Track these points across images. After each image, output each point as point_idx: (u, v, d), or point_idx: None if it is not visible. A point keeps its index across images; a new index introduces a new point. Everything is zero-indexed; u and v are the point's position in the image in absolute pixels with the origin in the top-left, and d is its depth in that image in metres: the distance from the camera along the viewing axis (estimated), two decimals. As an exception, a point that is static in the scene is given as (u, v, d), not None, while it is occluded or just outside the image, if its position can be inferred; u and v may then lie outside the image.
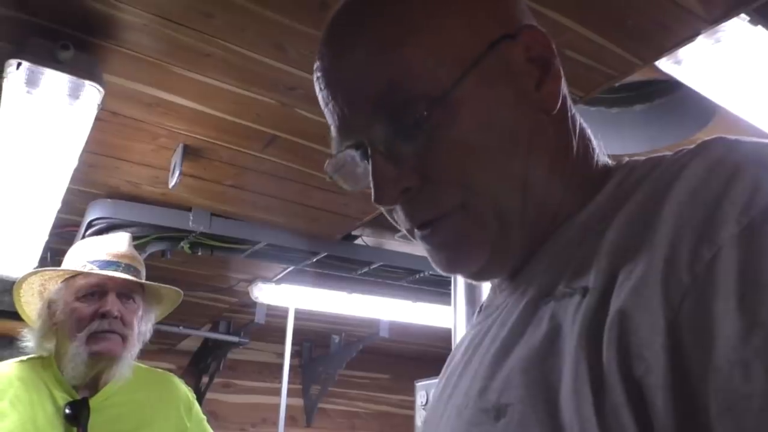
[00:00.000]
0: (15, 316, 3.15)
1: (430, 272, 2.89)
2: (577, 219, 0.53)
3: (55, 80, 1.43)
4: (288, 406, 3.47)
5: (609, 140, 0.60)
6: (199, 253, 2.50)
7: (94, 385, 1.55)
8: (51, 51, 1.39)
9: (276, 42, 1.46)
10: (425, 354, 4.79)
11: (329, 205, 2.33)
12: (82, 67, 1.44)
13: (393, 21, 0.54)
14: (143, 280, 1.63)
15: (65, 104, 1.51)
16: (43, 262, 2.59)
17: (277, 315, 3.51)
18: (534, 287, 0.52)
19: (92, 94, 1.48)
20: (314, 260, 2.71)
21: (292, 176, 2.12)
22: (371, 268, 2.83)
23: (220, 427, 4.13)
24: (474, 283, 1.74)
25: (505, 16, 0.57)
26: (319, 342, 4.54)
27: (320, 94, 0.57)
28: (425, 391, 1.85)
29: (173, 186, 1.99)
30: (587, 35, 1.42)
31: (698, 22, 1.34)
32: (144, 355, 1.67)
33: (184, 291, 1.78)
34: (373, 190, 0.53)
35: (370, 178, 0.53)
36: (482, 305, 0.66)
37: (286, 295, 3.17)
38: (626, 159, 0.56)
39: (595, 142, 0.59)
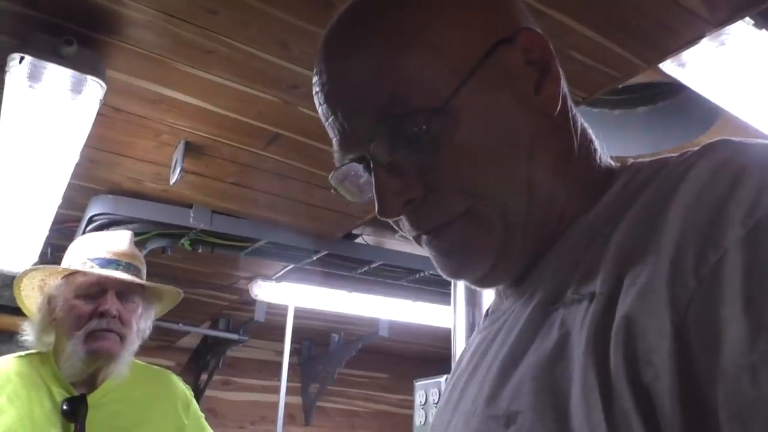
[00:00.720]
0: (15, 311, 3.14)
1: (431, 272, 2.89)
2: (584, 221, 0.53)
3: (58, 75, 1.43)
4: (287, 405, 3.47)
5: (611, 142, 0.60)
6: (200, 251, 2.50)
7: (92, 381, 1.55)
8: (54, 46, 1.39)
9: (279, 39, 1.46)
10: (425, 354, 4.79)
11: (330, 204, 2.33)
12: (85, 63, 1.44)
13: (388, 35, 0.53)
14: (143, 280, 1.62)
15: (67, 99, 1.51)
16: (44, 258, 2.59)
17: (277, 313, 3.51)
18: (542, 292, 0.51)
19: (94, 89, 1.48)
20: (314, 259, 2.71)
21: (294, 174, 2.12)
22: (371, 267, 2.83)
23: (219, 424, 4.13)
24: (478, 289, 1.74)
25: (501, 20, 0.56)
26: (318, 340, 4.54)
27: (320, 109, 0.57)
28: (424, 390, 1.85)
29: (174, 183, 1.99)
30: (591, 36, 1.41)
31: (703, 25, 1.34)
32: (143, 351, 1.67)
33: (184, 288, 1.78)
34: (376, 203, 0.53)
35: (373, 191, 0.53)
36: (488, 310, 0.66)
37: (286, 293, 3.17)
38: (631, 161, 0.56)
39: (597, 144, 0.59)
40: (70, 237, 2.52)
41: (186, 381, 1.80)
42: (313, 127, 1.81)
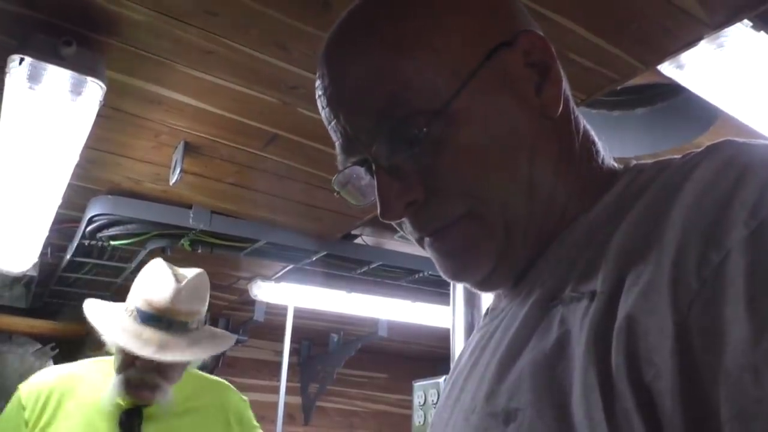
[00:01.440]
0: (14, 311, 3.16)
1: (430, 272, 2.89)
2: (584, 219, 0.53)
3: (58, 76, 1.43)
4: (286, 404, 3.47)
5: (610, 143, 0.60)
6: (199, 251, 2.51)
7: None
8: (54, 47, 1.39)
9: (279, 41, 1.46)
10: (424, 354, 4.79)
11: (330, 204, 2.33)
12: (85, 64, 1.44)
13: (388, 38, 0.54)
14: (185, 342, 1.52)
15: (67, 100, 1.51)
16: (43, 258, 2.60)
17: (277, 313, 3.51)
18: (540, 289, 0.52)
19: (94, 90, 1.48)
20: (314, 259, 2.71)
21: (293, 175, 2.12)
22: (370, 267, 2.83)
23: (218, 424, 4.12)
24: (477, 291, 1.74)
25: (501, 23, 0.56)
26: (317, 340, 4.54)
27: (323, 113, 0.58)
28: (423, 391, 1.86)
29: (174, 183, 1.99)
30: (590, 38, 1.42)
31: (701, 27, 1.34)
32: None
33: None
34: (378, 206, 0.54)
35: (375, 193, 0.54)
36: (488, 308, 0.66)
37: (286, 294, 3.17)
38: (633, 162, 0.56)
39: (600, 145, 0.59)
40: (69, 237, 2.52)
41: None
42: (312, 128, 1.81)
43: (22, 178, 1.88)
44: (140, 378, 1.52)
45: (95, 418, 1.53)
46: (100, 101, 1.53)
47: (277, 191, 2.26)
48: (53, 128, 1.63)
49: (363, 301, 3.28)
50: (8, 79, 1.43)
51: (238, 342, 3.92)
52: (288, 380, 3.43)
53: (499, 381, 0.49)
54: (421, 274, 2.93)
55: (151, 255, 2.56)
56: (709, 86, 1.52)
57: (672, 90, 1.87)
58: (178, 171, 1.94)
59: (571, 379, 0.43)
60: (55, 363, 3.08)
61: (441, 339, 3.03)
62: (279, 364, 3.43)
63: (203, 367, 4.43)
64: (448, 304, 1.98)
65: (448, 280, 0.58)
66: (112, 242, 2.37)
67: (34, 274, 2.74)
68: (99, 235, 2.34)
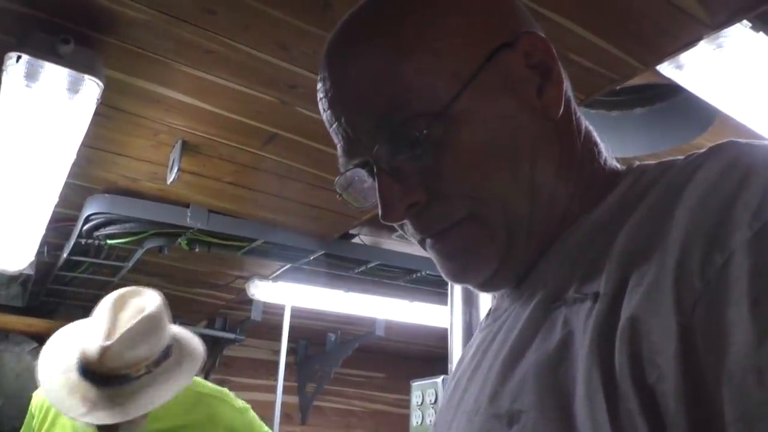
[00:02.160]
0: (11, 310, 3.15)
1: (427, 272, 2.89)
2: (587, 220, 0.53)
3: (55, 74, 1.42)
4: (283, 404, 3.47)
5: (609, 143, 0.60)
6: (197, 250, 2.50)
7: None
8: (51, 45, 1.38)
9: (278, 40, 1.46)
10: (421, 353, 4.79)
11: (328, 204, 2.32)
12: (82, 62, 1.43)
13: (389, 41, 0.54)
14: (118, 416, 1.34)
15: (64, 98, 1.50)
16: (40, 257, 2.59)
17: (274, 312, 3.51)
18: (543, 290, 0.52)
19: (92, 88, 1.48)
20: (311, 258, 2.71)
21: (291, 174, 2.12)
22: (368, 267, 2.83)
23: (215, 423, 4.11)
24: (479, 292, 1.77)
25: (502, 24, 0.56)
26: (315, 340, 4.54)
27: (324, 115, 0.58)
28: (421, 391, 1.85)
29: (171, 182, 1.99)
30: (589, 38, 1.41)
31: (701, 27, 1.34)
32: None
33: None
34: (379, 208, 0.54)
35: (377, 195, 0.54)
36: (490, 309, 0.66)
37: (283, 293, 3.17)
38: (637, 163, 0.56)
39: (602, 146, 0.59)
40: (66, 236, 2.52)
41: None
42: (311, 127, 1.81)
43: (18, 177, 1.87)
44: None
45: None
46: (98, 99, 1.52)
47: (275, 191, 2.26)
48: (50, 126, 1.62)
49: (360, 301, 3.28)
50: (5, 77, 1.43)
51: (235, 341, 3.93)
52: (285, 380, 3.43)
53: (503, 383, 0.49)
54: (418, 274, 2.93)
55: (149, 254, 2.57)
56: (708, 87, 1.52)
57: (671, 90, 1.87)
58: (175, 170, 1.93)
59: (575, 380, 0.43)
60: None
61: (439, 338, 3.03)
62: (276, 364, 3.43)
63: (201, 367, 4.43)
64: (445, 303, 1.98)
65: (450, 282, 0.58)
66: (108, 241, 2.37)
67: (31, 272, 2.73)
68: (96, 233, 2.33)
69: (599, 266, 0.46)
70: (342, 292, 3.19)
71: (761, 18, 1.31)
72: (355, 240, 2.82)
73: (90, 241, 2.41)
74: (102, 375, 1.36)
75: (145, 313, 1.43)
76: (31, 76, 1.42)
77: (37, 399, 1.70)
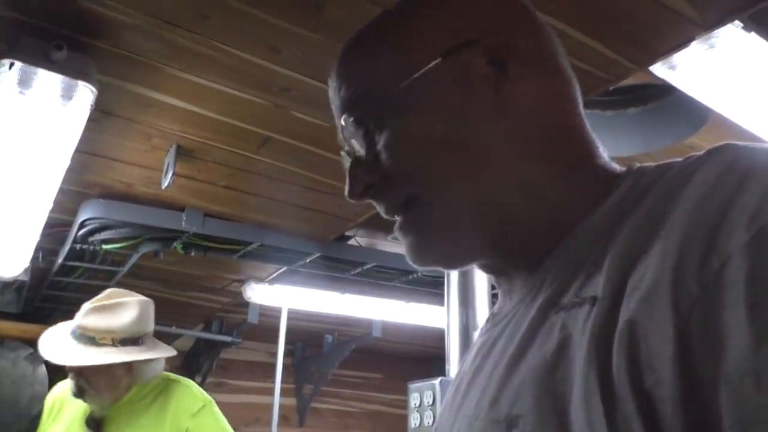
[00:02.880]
0: (6, 316, 3.13)
1: (423, 273, 2.89)
2: (587, 222, 0.53)
3: (48, 80, 1.42)
4: (281, 406, 3.46)
5: (603, 143, 0.60)
6: (192, 254, 2.50)
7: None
8: (44, 51, 1.38)
9: (270, 43, 1.46)
10: (418, 354, 4.79)
11: (323, 207, 2.32)
12: (75, 68, 1.43)
13: (363, 41, 0.63)
14: (75, 359, 1.75)
15: (58, 105, 1.50)
16: (35, 263, 2.58)
17: (270, 315, 3.50)
18: (543, 295, 0.52)
19: (85, 94, 1.47)
20: (307, 261, 2.71)
21: (286, 177, 2.12)
22: (364, 268, 2.83)
23: (212, 426, 4.10)
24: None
25: (471, 26, 0.58)
26: (311, 342, 4.53)
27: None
28: (418, 393, 1.85)
29: (166, 186, 1.98)
30: (582, 40, 1.42)
31: (693, 28, 1.34)
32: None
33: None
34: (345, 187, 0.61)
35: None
36: (492, 312, 0.66)
37: (279, 295, 3.16)
38: (636, 165, 0.56)
39: (601, 148, 0.59)
40: (61, 241, 2.51)
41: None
42: (304, 130, 1.81)
43: (12, 183, 1.86)
44: (74, 383, 1.79)
45: (75, 423, 1.85)
46: (91, 105, 1.52)
47: (270, 194, 2.25)
48: (44, 132, 1.61)
49: (357, 302, 3.27)
50: (-2, 84, 1.42)
51: (232, 344, 3.92)
52: (282, 382, 3.43)
53: (502, 387, 0.50)
54: (415, 275, 2.92)
55: (144, 258, 2.56)
56: (700, 86, 1.52)
57: (664, 90, 1.88)
58: (170, 174, 1.93)
59: (572, 384, 0.43)
60: (47, 368, 3.06)
61: (435, 339, 3.04)
62: (273, 366, 3.43)
63: (198, 370, 4.43)
64: (442, 304, 1.98)
65: (412, 264, 0.61)
66: (104, 246, 2.36)
67: (26, 278, 2.72)
68: (91, 239, 2.32)
69: (598, 269, 0.46)
70: (338, 294, 3.19)
71: (753, 18, 1.31)
72: (351, 242, 2.82)
73: (85, 246, 2.40)
74: (79, 333, 1.79)
75: (137, 299, 1.87)
76: (24, 82, 1.42)
77: (47, 399, 2.00)
